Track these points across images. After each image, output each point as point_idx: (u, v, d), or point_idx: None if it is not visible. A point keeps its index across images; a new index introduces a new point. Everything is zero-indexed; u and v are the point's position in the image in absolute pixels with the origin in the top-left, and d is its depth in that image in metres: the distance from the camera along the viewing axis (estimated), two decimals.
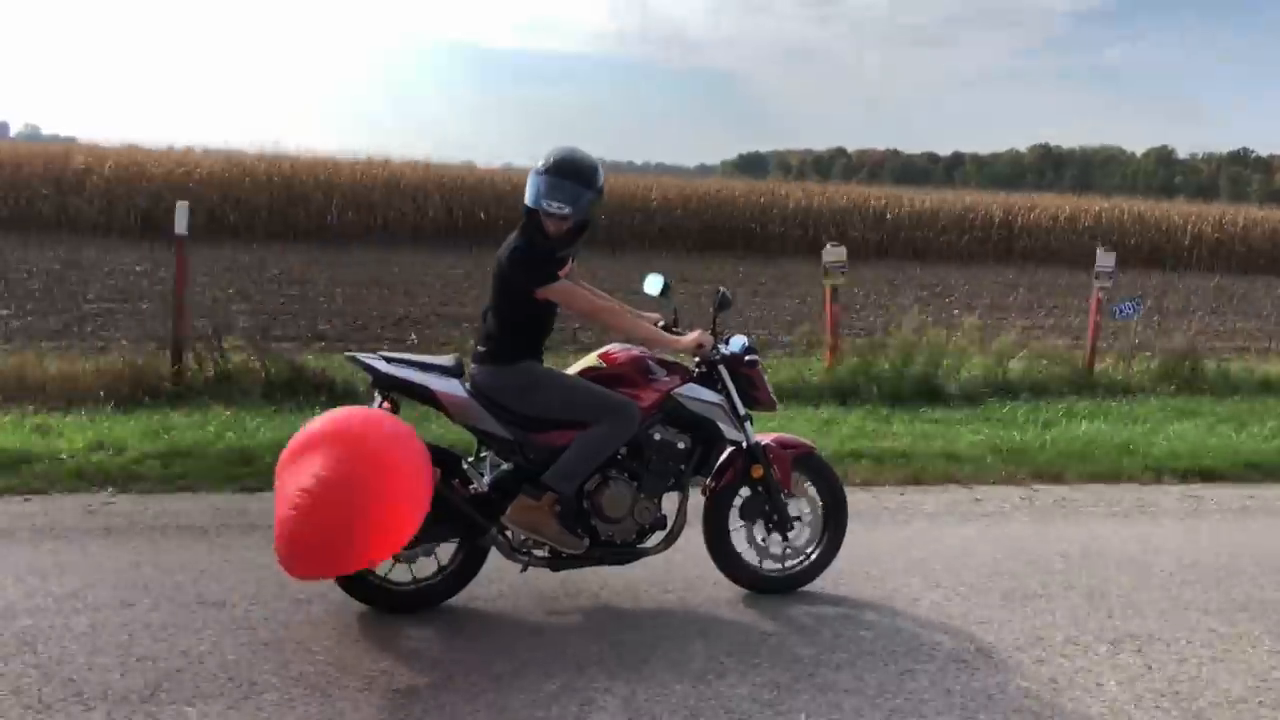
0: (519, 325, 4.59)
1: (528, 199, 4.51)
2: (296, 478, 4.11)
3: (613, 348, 4.83)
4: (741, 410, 4.83)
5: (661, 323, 5.00)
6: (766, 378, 4.97)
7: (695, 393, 4.75)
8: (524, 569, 4.72)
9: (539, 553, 4.64)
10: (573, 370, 4.76)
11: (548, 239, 4.53)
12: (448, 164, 32.69)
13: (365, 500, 4.03)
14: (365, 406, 4.52)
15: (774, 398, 4.98)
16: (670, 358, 4.86)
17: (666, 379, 4.73)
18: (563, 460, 4.51)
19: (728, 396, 4.80)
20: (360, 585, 4.55)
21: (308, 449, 4.16)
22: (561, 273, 4.55)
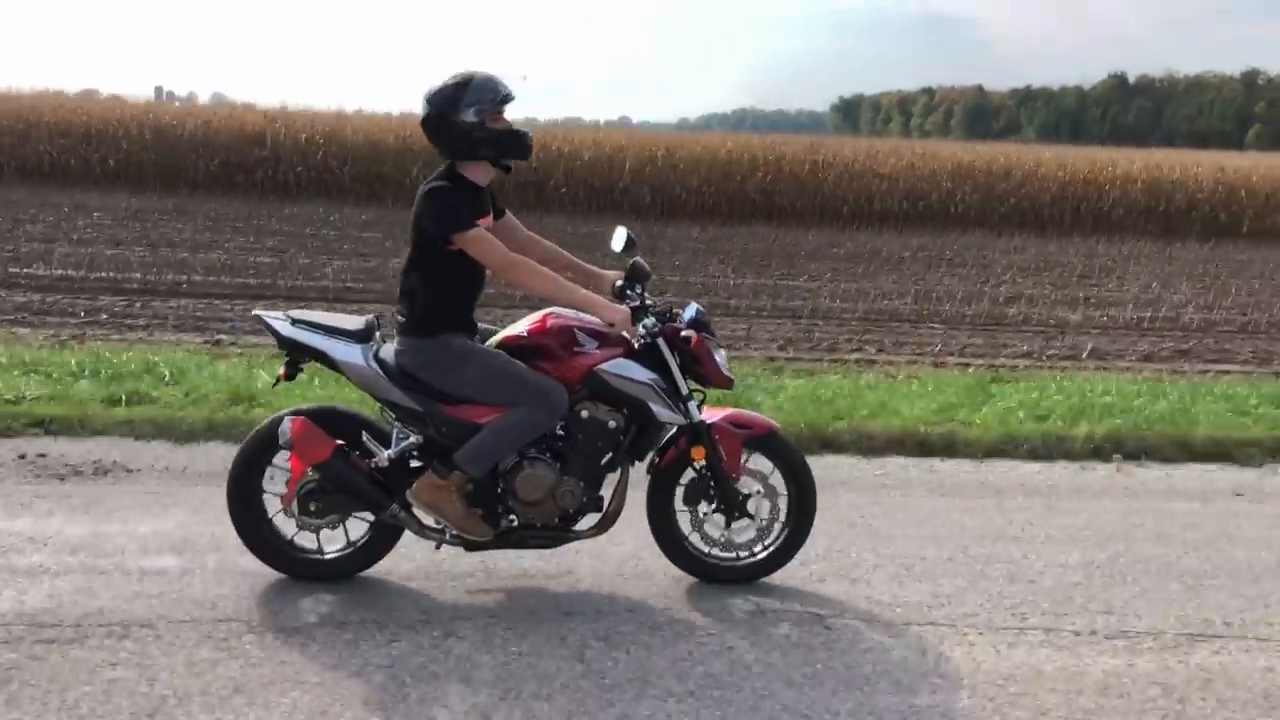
0: (437, 286, 3.85)
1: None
2: None
3: (550, 311, 4.08)
4: (684, 389, 4.06)
5: (620, 283, 4.20)
6: (718, 352, 4.15)
7: (623, 369, 3.97)
8: (437, 547, 4.08)
9: (454, 531, 3.98)
10: (498, 337, 4.03)
11: (465, 182, 3.83)
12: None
13: None
14: None
15: (727, 374, 4.17)
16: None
17: (596, 352, 3.97)
18: (475, 441, 3.83)
19: (667, 373, 4.04)
20: (268, 549, 4.02)
21: None
22: (482, 221, 3.82)
